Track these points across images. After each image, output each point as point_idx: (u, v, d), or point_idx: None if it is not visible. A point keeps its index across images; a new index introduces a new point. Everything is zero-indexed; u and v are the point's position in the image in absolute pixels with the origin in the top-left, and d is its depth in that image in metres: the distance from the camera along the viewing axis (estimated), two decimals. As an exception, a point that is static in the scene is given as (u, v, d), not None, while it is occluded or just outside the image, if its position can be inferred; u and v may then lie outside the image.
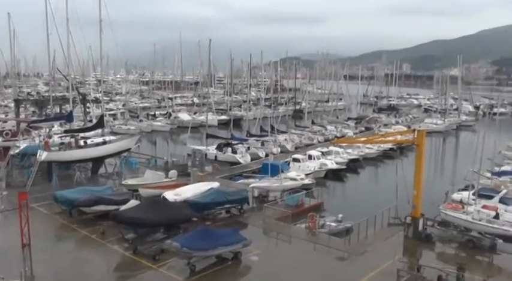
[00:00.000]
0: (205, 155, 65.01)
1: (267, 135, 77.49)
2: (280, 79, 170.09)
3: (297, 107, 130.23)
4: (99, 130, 64.32)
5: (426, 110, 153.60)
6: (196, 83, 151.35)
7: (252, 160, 67.06)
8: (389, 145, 73.90)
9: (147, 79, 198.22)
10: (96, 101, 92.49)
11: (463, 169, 56.66)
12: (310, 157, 63.50)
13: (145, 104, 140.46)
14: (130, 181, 48.71)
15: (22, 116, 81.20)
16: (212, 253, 30.19)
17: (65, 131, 62.46)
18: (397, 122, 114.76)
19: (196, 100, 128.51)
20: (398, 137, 49.61)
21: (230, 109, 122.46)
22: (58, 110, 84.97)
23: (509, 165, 63.59)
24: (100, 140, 60.09)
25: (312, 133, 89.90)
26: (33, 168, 50.39)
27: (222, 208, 41.51)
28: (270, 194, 47.01)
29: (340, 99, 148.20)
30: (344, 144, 71.77)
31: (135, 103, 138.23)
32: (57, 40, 65.53)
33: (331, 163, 63.33)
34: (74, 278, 28.97)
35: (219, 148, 70.11)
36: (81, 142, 57.94)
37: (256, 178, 52.84)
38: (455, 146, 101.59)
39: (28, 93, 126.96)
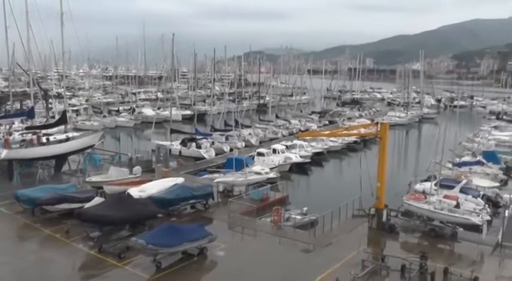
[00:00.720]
0: (170, 150, 64.61)
1: (231, 130, 77.46)
2: (244, 74, 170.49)
3: (261, 101, 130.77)
4: (62, 127, 63.13)
5: (389, 104, 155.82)
6: (160, 78, 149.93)
7: (216, 154, 66.95)
8: (353, 138, 74.80)
9: (110, 74, 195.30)
10: (59, 96, 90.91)
11: (425, 160, 57.57)
12: (274, 151, 63.79)
13: (109, 100, 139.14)
14: (94, 178, 47.89)
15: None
16: (178, 249, 30.04)
17: (26, 128, 61.31)
18: (361, 116, 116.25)
19: (160, 95, 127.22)
20: (362, 130, 50.32)
21: (194, 104, 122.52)
22: (19, 106, 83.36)
23: (469, 156, 65.18)
24: (63, 136, 58.85)
25: (276, 127, 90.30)
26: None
27: (187, 204, 41.32)
28: (235, 189, 47.04)
29: (304, 93, 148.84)
30: (308, 137, 72.24)
31: (99, 98, 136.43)
32: (17, 34, 64.14)
33: (295, 157, 63.71)
34: (38, 279, 28.43)
35: (184, 143, 69.78)
36: (43, 139, 56.67)
37: (221, 172, 52.69)
38: (417, 138, 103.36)
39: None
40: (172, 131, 75.03)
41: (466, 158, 63.17)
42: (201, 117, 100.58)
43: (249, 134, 79.35)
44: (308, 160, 65.60)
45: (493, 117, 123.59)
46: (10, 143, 53.00)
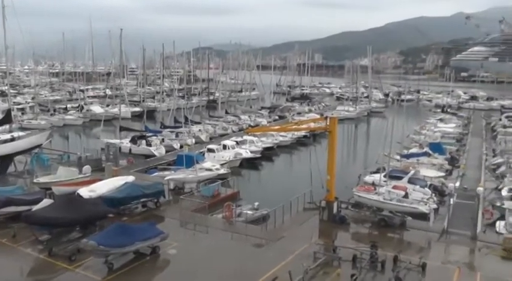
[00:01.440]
0: (120, 148, 63.62)
1: (181, 127, 77.05)
2: (194, 69, 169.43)
3: (211, 97, 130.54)
4: (7, 126, 61.37)
5: (338, 98, 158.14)
6: (109, 74, 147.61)
7: (166, 151, 66.45)
8: (303, 133, 75.47)
9: (57, 70, 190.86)
10: (2, 94, 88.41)
11: (374, 152, 58.80)
12: (224, 147, 63.80)
13: (56, 97, 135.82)
14: (42, 179, 46.65)
15: None
16: (130, 249, 29.62)
17: (-32, 128, 59.35)
18: (310, 110, 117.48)
19: (108, 92, 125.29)
20: (312, 125, 50.78)
21: (143, 101, 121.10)
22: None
23: (416, 148, 66.90)
24: (8, 136, 56.98)
25: (226, 123, 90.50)
26: None
27: (138, 202, 40.86)
28: (186, 186, 46.85)
29: (254, 89, 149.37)
30: (258, 133, 72.49)
31: (45, 96, 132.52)
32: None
33: (245, 152, 63.94)
34: (-17, 286, 27.48)
35: (133, 140, 68.95)
36: (-13, 139, 55.16)
37: (171, 170, 52.40)
38: (366, 132, 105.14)
39: None
40: (122, 129, 74.11)
41: (414, 150, 64.96)
42: (151, 114, 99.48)
43: (199, 130, 79.04)
44: (258, 155, 65.94)
45: (438, 110, 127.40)
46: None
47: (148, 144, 67.47)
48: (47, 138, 60.55)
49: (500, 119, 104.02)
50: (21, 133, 60.12)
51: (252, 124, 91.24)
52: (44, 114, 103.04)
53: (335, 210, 37.73)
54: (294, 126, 54.19)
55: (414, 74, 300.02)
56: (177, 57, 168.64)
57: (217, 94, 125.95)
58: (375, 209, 39.19)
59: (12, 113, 65.69)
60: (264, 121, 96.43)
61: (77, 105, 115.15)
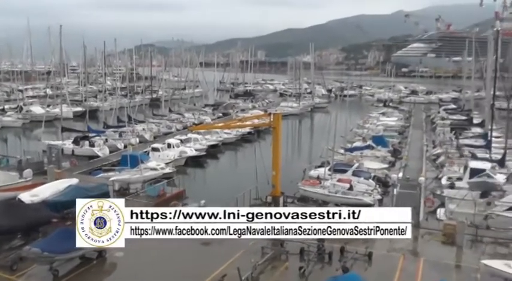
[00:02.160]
0: (62, 150, 61.97)
1: (125, 126, 76.01)
2: (136, 67, 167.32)
3: (154, 95, 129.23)
4: None
5: (281, 95, 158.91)
6: (48, 73, 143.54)
7: (110, 152, 65.37)
8: (247, 129, 75.79)
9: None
10: None
11: (319, 147, 59.50)
12: (169, 146, 63.37)
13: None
14: (-21, 185, 45.33)
15: None
16: (75, 254, 28.70)
17: None
18: (254, 107, 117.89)
19: (49, 91, 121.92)
20: (256, 121, 50.99)
21: (85, 100, 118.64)
22: None
23: (360, 141, 68.35)
24: None
25: (170, 121, 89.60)
26: None
27: (83, 205, 40.09)
28: (131, 186, 46.23)
29: (197, 86, 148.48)
30: (202, 130, 72.32)
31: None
32: None
33: (190, 150, 63.73)
34: None
35: (76, 141, 67.41)
36: None
37: (116, 170, 51.68)
38: (310, 127, 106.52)
39: None
40: (64, 130, 72.58)
41: (357, 143, 66.28)
42: (93, 113, 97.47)
43: (143, 129, 78.07)
44: (203, 153, 65.85)
45: (380, 104, 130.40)
46: None
47: (92, 144, 66.22)
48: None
49: (439, 112, 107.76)
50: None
51: (196, 122, 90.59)
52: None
53: (281, 205, 38.04)
54: (238, 123, 54.28)
55: (356, 70, 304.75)
56: (119, 55, 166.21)
57: (160, 92, 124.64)
58: (321, 202, 39.84)
59: None
60: (208, 119, 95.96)
61: (15, 106, 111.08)
